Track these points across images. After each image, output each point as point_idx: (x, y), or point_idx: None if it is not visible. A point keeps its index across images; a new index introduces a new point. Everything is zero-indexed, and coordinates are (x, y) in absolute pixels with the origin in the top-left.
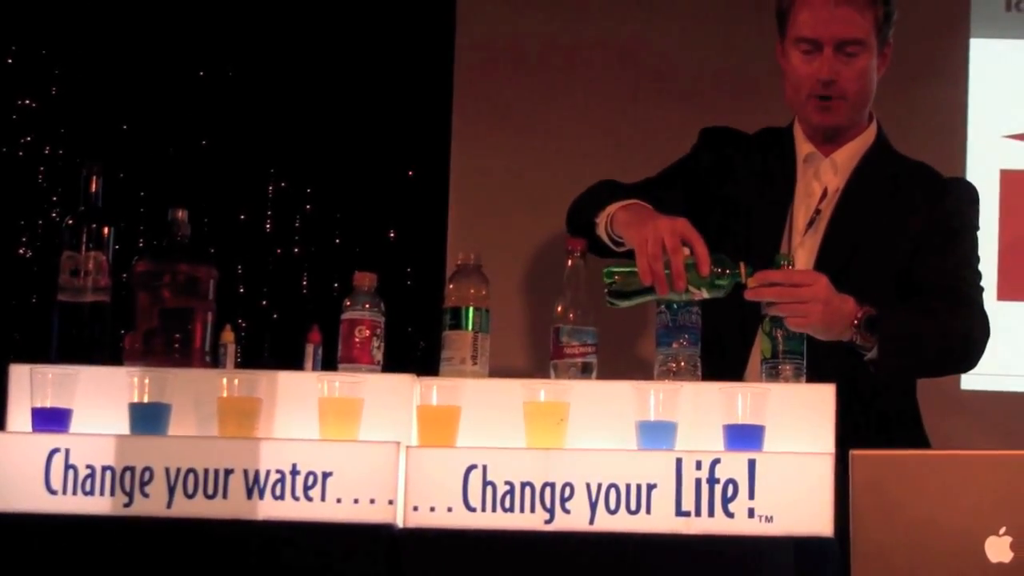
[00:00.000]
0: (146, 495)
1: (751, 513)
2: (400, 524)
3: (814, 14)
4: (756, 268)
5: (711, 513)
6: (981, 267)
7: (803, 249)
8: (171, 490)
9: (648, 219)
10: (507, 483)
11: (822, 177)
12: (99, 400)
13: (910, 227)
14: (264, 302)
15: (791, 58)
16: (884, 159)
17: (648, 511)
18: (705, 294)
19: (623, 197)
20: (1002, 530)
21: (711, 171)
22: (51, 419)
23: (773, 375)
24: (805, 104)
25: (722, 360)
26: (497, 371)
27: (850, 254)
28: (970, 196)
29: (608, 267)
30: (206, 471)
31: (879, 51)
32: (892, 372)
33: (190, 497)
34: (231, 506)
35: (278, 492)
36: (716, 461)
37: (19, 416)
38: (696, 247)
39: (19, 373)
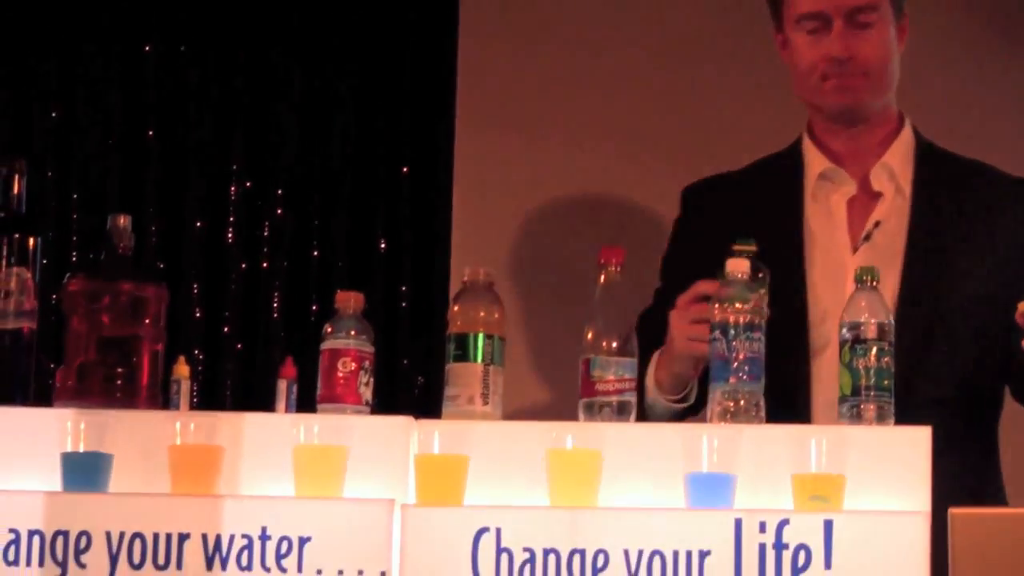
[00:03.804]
0: (83, 566)
1: None
2: None
3: None
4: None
5: None
6: None
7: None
8: (113, 559)
9: (664, 350)
10: (526, 550)
11: (882, 183)
12: (24, 449)
13: (995, 244)
14: (226, 329)
15: (795, 43)
16: (938, 160)
17: None
18: (749, 294)
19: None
20: None
21: (707, 236)
22: None
23: (854, 416)
24: (818, 89)
25: (780, 399)
26: (513, 412)
27: (942, 273)
28: None
29: None
30: (156, 536)
31: (896, 22)
32: None
33: (136, 568)
34: None
35: (244, 562)
36: (784, 522)
37: None
38: (692, 294)
39: None
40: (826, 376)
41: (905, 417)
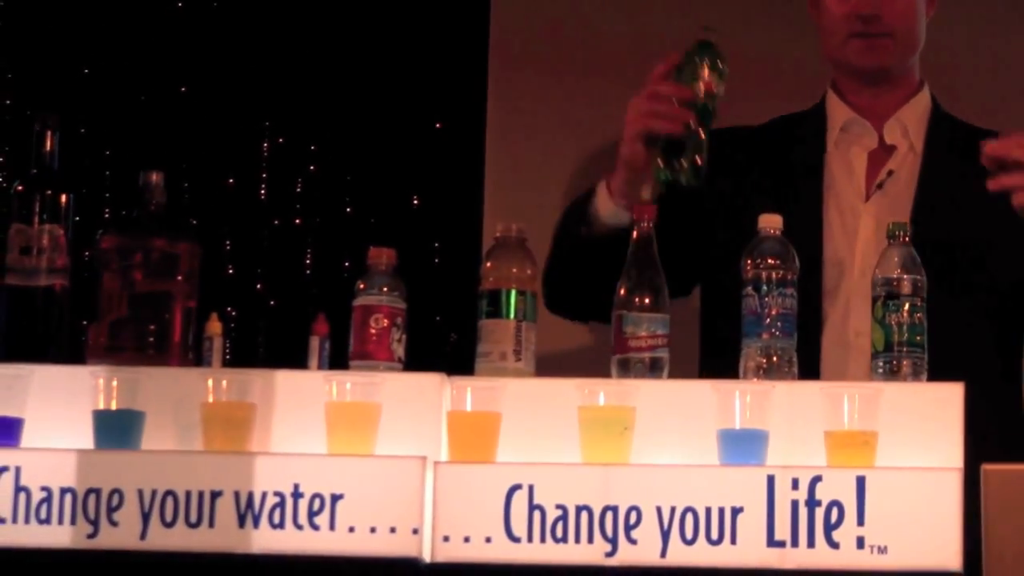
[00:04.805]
0: (115, 523)
1: (860, 543)
2: (427, 558)
3: None
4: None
5: (811, 543)
6: None
7: (868, 216)
8: (145, 517)
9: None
10: (559, 507)
11: (896, 138)
12: (56, 407)
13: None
14: (258, 285)
15: (824, 1)
16: (950, 126)
17: (733, 541)
18: (707, 74)
19: None
20: None
21: (724, 178)
22: None
23: (888, 372)
24: (844, 47)
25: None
26: (546, 368)
27: (950, 225)
28: None
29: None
30: (188, 494)
31: None
32: None
33: (168, 526)
34: (219, 537)
35: (276, 519)
36: (817, 479)
37: None
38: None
39: None
40: (833, 316)
41: None
